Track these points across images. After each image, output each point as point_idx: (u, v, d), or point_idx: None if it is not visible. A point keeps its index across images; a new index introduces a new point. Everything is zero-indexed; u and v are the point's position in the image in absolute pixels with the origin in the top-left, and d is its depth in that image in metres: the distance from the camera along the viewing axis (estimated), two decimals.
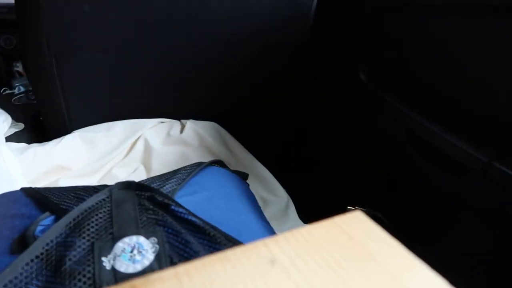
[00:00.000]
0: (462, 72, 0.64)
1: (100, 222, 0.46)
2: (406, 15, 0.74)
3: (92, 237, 0.44)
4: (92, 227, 0.45)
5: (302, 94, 1.03)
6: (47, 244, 0.43)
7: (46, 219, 0.48)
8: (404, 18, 0.75)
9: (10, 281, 0.39)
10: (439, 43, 0.67)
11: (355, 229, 0.28)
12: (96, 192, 0.50)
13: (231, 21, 0.85)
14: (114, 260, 0.41)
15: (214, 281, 0.22)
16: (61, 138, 0.83)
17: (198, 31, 0.83)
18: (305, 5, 0.88)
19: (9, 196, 0.55)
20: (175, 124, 0.94)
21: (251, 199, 0.64)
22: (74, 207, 0.47)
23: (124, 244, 0.43)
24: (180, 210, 0.49)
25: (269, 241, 0.25)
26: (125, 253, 0.42)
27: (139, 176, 0.84)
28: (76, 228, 0.45)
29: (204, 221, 0.48)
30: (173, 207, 0.49)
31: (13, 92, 1.20)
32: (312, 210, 0.70)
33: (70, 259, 0.41)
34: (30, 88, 1.20)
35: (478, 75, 0.61)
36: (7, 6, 1.16)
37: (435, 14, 0.68)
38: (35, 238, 0.45)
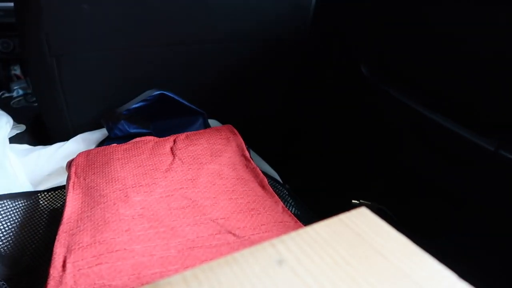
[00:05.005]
0: (465, 62, 0.64)
1: None
2: (407, 5, 0.74)
3: None
4: None
5: (303, 90, 1.02)
6: None
7: None
8: (405, 8, 0.74)
9: None
10: (440, 33, 0.67)
11: (361, 225, 0.28)
12: None
13: (231, 18, 0.84)
14: None
15: (223, 283, 0.22)
16: (64, 141, 0.83)
17: (198, 29, 0.83)
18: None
19: None
20: None
21: None
22: None
23: None
24: None
25: (276, 241, 0.25)
26: None
27: None
28: None
29: None
30: None
31: (12, 95, 1.20)
32: (316, 206, 0.70)
33: None
34: (29, 91, 1.20)
35: (482, 64, 0.61)
36: (3, 9, 1.16)
37: (437, 3, 0.67)
38: None
